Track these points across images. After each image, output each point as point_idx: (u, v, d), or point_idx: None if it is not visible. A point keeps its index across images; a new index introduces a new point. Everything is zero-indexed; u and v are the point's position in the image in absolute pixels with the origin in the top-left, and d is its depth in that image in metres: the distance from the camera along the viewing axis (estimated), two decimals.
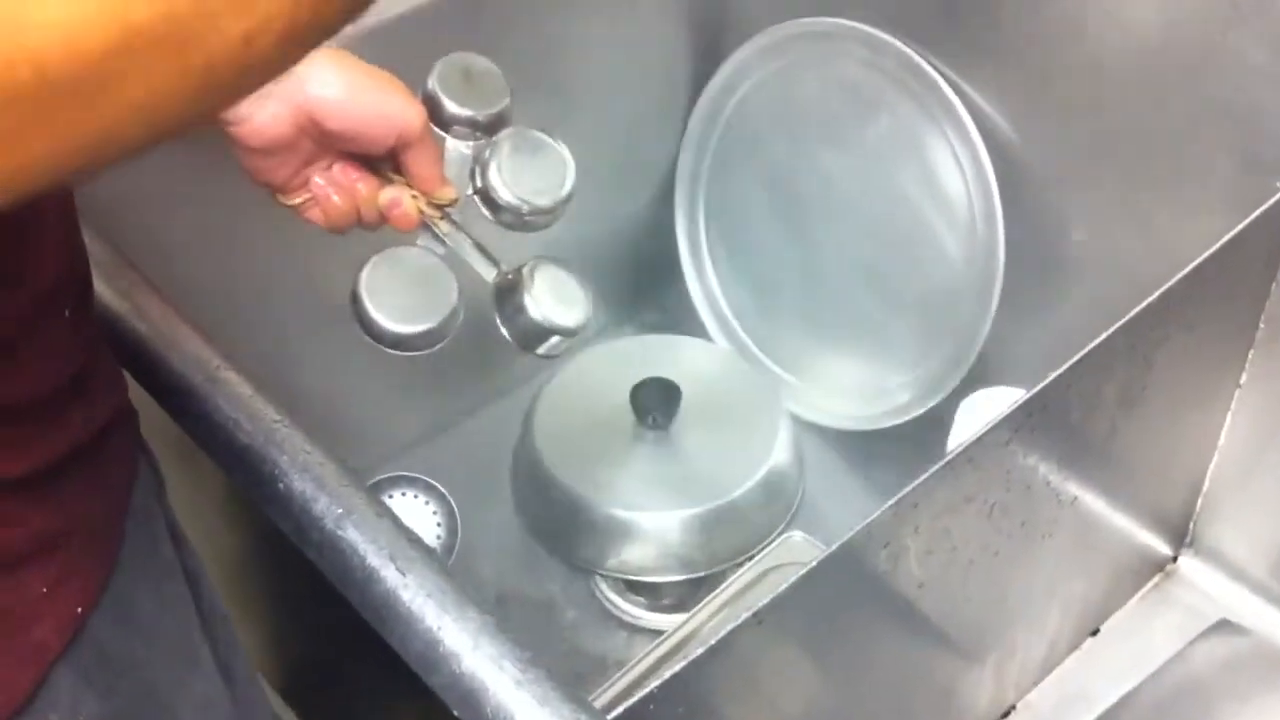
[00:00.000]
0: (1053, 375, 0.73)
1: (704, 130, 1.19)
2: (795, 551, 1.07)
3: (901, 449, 1.11)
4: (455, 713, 0.57)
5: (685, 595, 1.07)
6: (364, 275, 0.73)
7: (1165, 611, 1.05)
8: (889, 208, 1.09)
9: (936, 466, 0.68)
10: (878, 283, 1.12)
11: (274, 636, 1.01)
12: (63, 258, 0.55)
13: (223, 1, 0.35)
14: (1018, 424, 0.73)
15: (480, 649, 0.56)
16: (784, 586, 0.63)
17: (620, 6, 1.13)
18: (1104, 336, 0.75)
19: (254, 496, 0.65)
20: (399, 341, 0.73)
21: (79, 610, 0.57)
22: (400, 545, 0.60)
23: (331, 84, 0.69)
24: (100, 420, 0.58)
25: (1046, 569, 0.89)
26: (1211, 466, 1.02)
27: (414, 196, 0.74)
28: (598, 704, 0.56)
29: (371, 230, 0.76)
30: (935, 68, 1.01)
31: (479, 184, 0.74)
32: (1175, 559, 1.07)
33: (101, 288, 0.72)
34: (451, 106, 0.74)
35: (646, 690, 0.59)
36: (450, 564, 1.09)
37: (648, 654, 0.99)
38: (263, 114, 0.69)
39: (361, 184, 0.74)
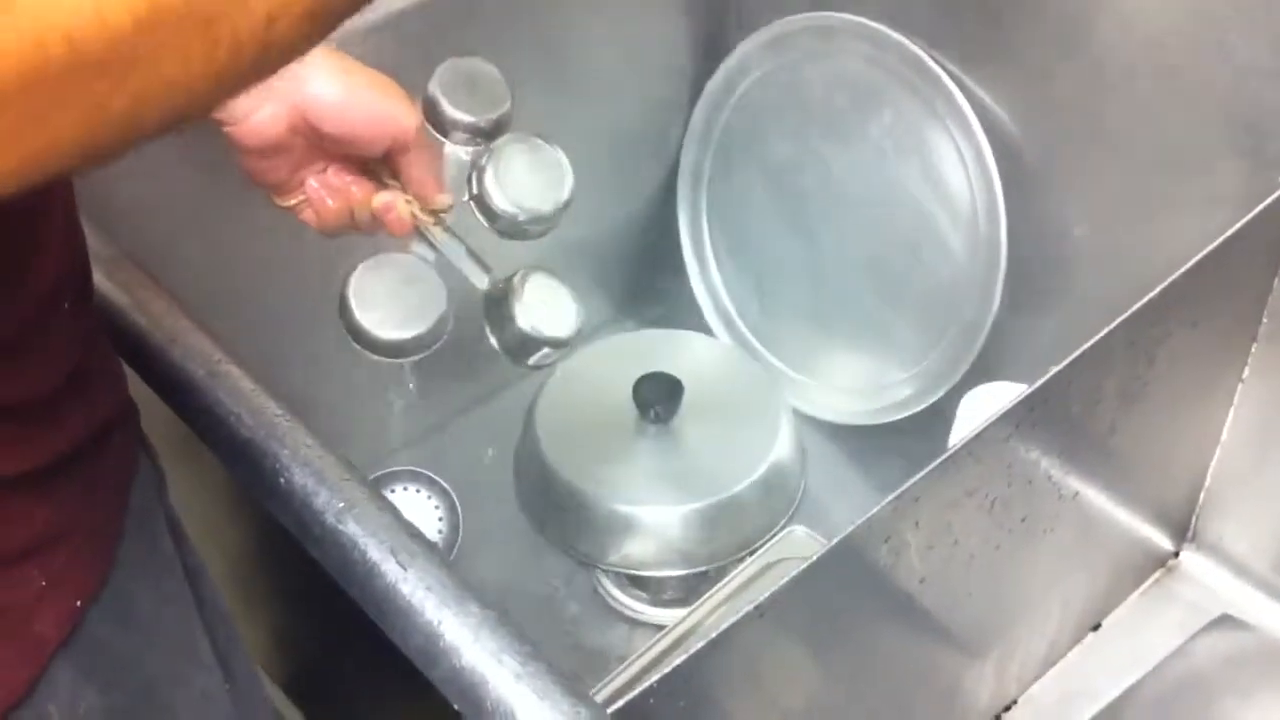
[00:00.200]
0: (1054, 370, 0.73)
1: (707, 125, 1.19)
2: (797, 546, 1.07)
3: (903, 444, 1.11)
4: (455, 706, 0.57)
5: (687, 590, 1.07)
6: (352, 281, 0.73)
7: (1167, 607, 1.05)
8: (892, 203, 1.08)
9: (937, 461, 0.68)
10: (880, 278, 1.12)
11: (277, 632, 1.01)
12: (64, 254, 0.55)
13: None
14: (1019, 419, 0.73)
15: (480, 643, 0.56)
16: (785, 580, 0.63)
17: (622, 2, 1.13)
18: (1105, 332, 0.75)
19: (255, 491, 0.65)
20: (386, 348, 0.73)
21: (78, 604, 0.57)
22: (401, 539, 0.60)
23: (328, 86, 0.69)
24: (100, 417, 0.58)
25: (1048, 564, 0.89)
26: (1213, 462, 1.01)
27: (408, 201, 0.74)
28: (599, 698, 0.56)
29: (366, 234, 0.76)
30: (938, 63, 1.01)
31: (475, 190, 0.74)
32: (1177, 554, 1.07)
33: (102, 282, 0.72)
34: (451, 111, 0.74)
35: (647, 684, 0.59)
36: (452, 559, 1.09)
37: (649, 648, 0.99)
38: (259, 114, 0.69)
39: (356, 187, 0.74)
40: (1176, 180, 0.94)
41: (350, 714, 0.99)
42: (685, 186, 1.23)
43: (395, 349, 0.73)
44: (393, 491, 1.11)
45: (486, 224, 0.74)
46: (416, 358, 0.74)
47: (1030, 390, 0.72)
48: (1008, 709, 0.99)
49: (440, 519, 1.10)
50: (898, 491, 0.67)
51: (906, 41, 1.02)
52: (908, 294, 1.10)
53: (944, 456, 0.69)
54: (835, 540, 0.65)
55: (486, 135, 0.74)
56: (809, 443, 1.16)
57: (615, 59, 1.14)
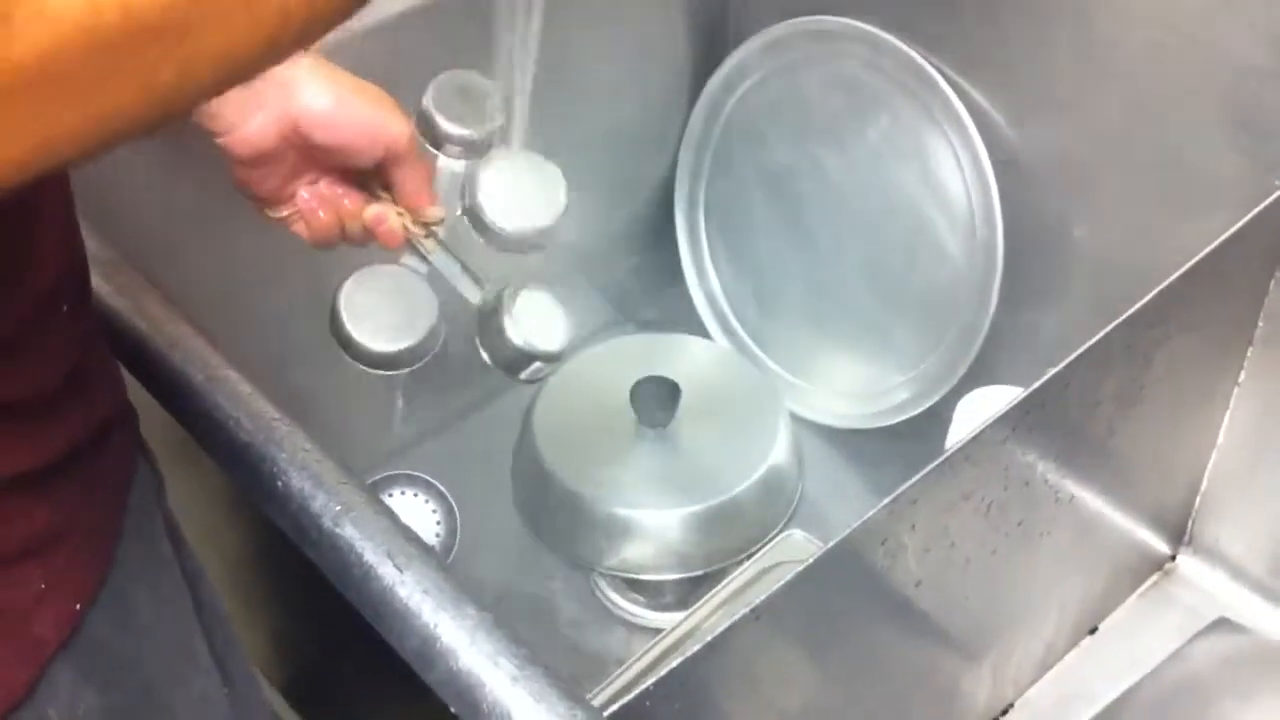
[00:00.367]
0: (1050, 373, 0.73)
1: (704, 129, 1.19)
2: (795, 550, 1.07)
3: (901, 448, 1.11)
4: (452, 709, 0.57)
5: (685, 593, 1.07)
6: (342, 293, 0.73)
7: (1164, 610, 1.05)
8: (889, 207, 1.09)
9: (934, 464, 0.68)
10: (877, 281, 1.12)
11: (275, 635, 1.01)
12: (62, 255, 0.55)
13: None
14: (1015, 422, 0.73)
15: (477, 645, 0.56)
16: (781, 583, 0.63)
17: (621, 4, 1.13)
18: (1102, 334, 0.75)
19: (252, 495, 0.65)
20: (377, 360, 0.73)
21: (77, 606, 0.57)
22: (398, 542, 0.60)
23: (319, 96, 0.69)
24: (99, 418, 0.58)
25: (1044, 567, 0.89)
26: (1210, 465, 1.02)
27: (400, 214, 0.74)
28: (596, 701, 0.56)
29: (357, 246, 0.76)
30: (935, 67, 1.01)
31: (468, 204, 0.74)
32: (1174, 557, 1.07)
33: (101, 286, 0.72)
34: (445, 125, 0.74)
35: (643, 687, 0.59)
36: (450, 562, 1.09)
37: (647, 651, 0.99)
38: (250, 124, 0.69)
39: (347, 199, 0.74)
40: (1174, 183, 0.95)
41: (348, 717, 0.99)
42: (683, 190, 1.23)
43: (386, 361, 0.73)
44: (390, 496, 1.11)
45: (479, 237, 0.74)
46: (407, 370, 0.73)
47: (1027, 393, 0.73)
48: (1005, 712, 0.99)
49: (438, 523, 1.11)
50: (894, 494, 0.67)
51: (904, 45, 1.02)
52: (905, 297, 1.10)
53: (940, 460, 0.69)
54: (831, 543, 0.66)
55: (480, 148, 0.74)
56: (806, 446, 1.16)
57: (613, 62, 1.14)
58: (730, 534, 1.07)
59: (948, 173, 1.03)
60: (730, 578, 1.05)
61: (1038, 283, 1.03)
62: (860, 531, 0.67)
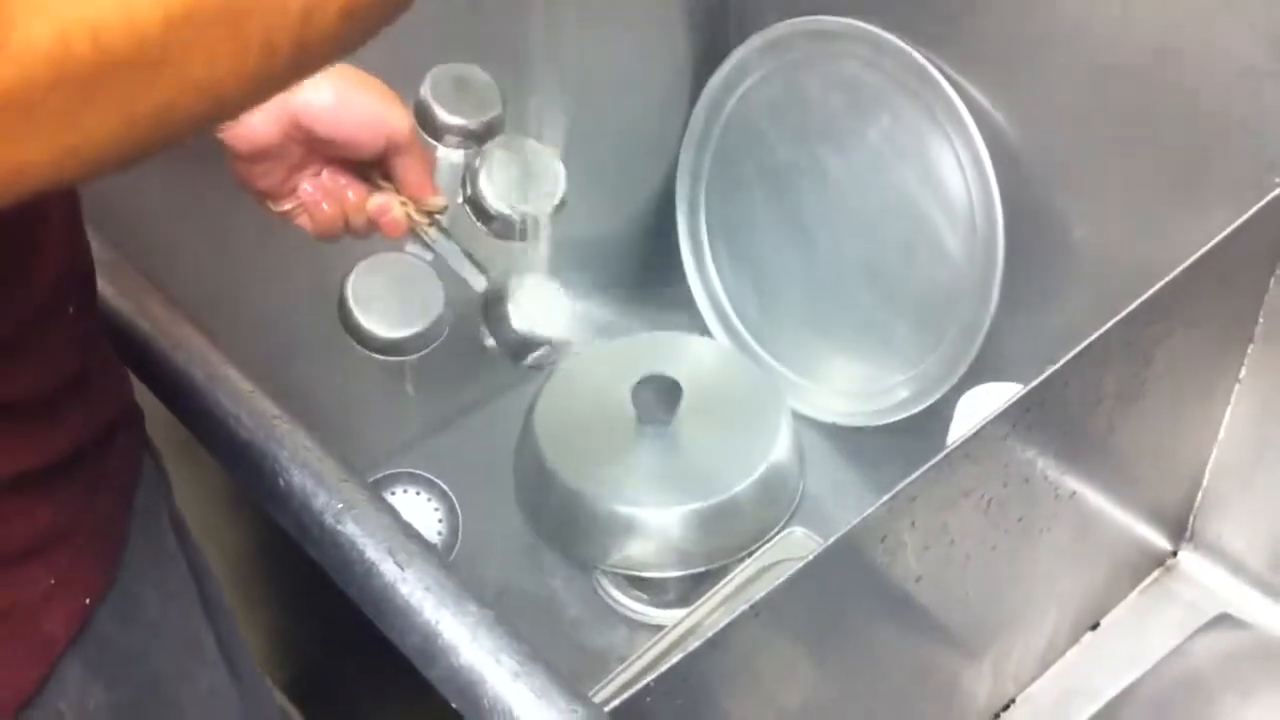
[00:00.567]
0: (1050, 370, 0.73)
1: (705, 128, 1.19)
2: (796, 547, 1.07)
3: (902, 445, 1.11)
4: (454, 705, 0.57)
5: (686, 591, 1.08)
6: (350, 281, 0.74)
7: (1165, 606, 1.05)
8: (890, 206, 1.09)
9: (933, 461, 0.69)
10: (878, 280, 1.12)
11: (278, 633, 1.01)
12: (66, 255, 0.56)
13: None
14: (1015, 419, 0.73)
15: (478, 642, 0.56)
16: (781, 580, 0.63)
17: (621, 3, 1.13)
18: (1102, 331, 0.75)
19: (254, 492, 0.65)
20: (385, 346, 0.73)
21: (86, 602, 0.57)
22: (399, 539, 0.60)
23: (320, 89, 0.69)
24: (104, 417, 0.58)
25: (1045, 564, 0.89)
26: (1211, 461, 1.02)
27: (403, 204, 0.74)
28: (598, 699, 0.56)
29: (361, 238, 0.76)
30: (936, 66, 1.02)
31: (469, 193, 0.74)
32: (1175, 554, 1.08)
33: (104, 287, 0.72)
34: (443, 115, 0.74)
35: (644, 683, 0.59)
36: (452, 560, 1.09)
37: (649, 649, 1.00)
38: (251, 120, 0.69)
39: (350, 191, 0.74)
40: (1174, 182, 0.95)
41: (350, 715, 1.00)
42: (684, 189, 1.23)
43: (394, 347, 0.74)
44: (393, 494, 1.11)
45: (481, 226, 0.75)
46: (415, 356, 0.74)
47: (1026, 390, 0.73)
48: (1006, 708, 0.99)
49: (440, 521, 1.11)
50: (893, 491, 0.67)
51: (904, 45, 1.02)
52: (906, 296, 1.11)
53: (939, 456, 0.69)
54: (831, 540, 0.66)
55: (478, 138, 0.75)
56: (808, 444, 1.16)
57: (614, 62, 1.14)
58: (731, 531, 1.07)
59: (948, 171, 1.04)
60: (732, 575, 1.05)
61: (1038, 280, 1.04)
62: (860, 528, 0.67)
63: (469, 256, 0.76)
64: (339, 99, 0.70)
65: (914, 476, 0.68)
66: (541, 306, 0.73)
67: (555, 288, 0.75)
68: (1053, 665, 1.01)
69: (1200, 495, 1.04)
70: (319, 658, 1.01)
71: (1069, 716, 0.98)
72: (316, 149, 0.72)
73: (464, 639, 0.57)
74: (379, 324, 0.73)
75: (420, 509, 1.10)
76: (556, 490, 1.09)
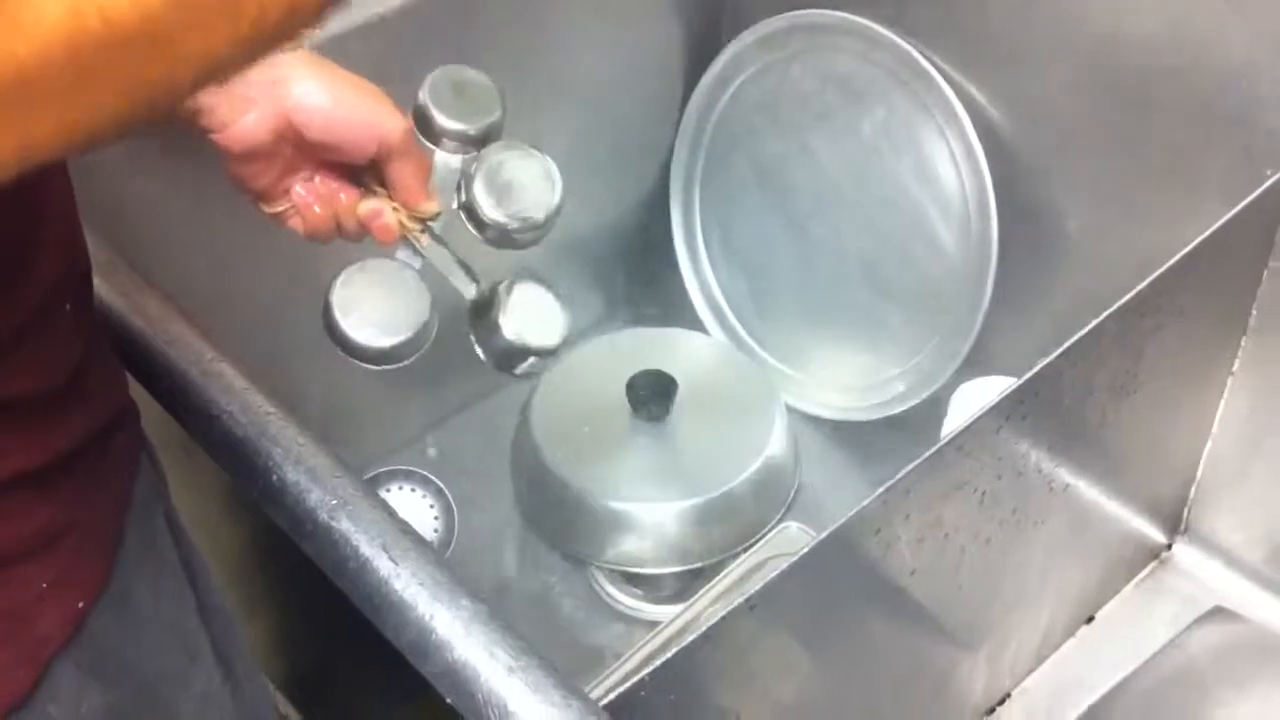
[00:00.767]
0: (1043, 362, 0.73)
1: (699, 123, 1.19)
2: (791, 542, 1.07)
3: (897, 439, 1.11)
4: (449, 700, 0.57)
5: (682, 586, 1.08)
6: (335, 288, 0.73)
7: (1160, 599, 1.05)
8: (883, 200, 1.09)
9: (926, 454, 0.69)
10: (872, 274, 1.12)
11: (276, 633, 1.01)
12: (64, 253, 0.56)
13: None
14: (1008, 412, 0.74)
15: (473, 637, 0.56)
16: (775, 574, 0.63)
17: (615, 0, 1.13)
18: (1094, 324, 0.75)
19: (249, 489, 0.66)
20: (369, 355, 0.73)
21: (80, 605, 0.57)
22: (393, 535, 0.60)
23: (313, 92, 0.69)
24: (102, 416, 0.58)
25: (1040, 557, 0.89)
26: (1205, 454, 1.02)
27: (395, 209, 0.74)
28: (594, 694, 0.56)
29: (353, 241, 0.76)
30: (930, 60, 1.02)
31: (464, 199, 0.74)
32: (1170, 546, 1.08)
33: (98, 285, 0.72)
34: (441, 120, 0.74)
35: (639, 677, 0.59)
36: (448, 557, 1.09)
37: (644, 644, 1.00)
38: (244, 120, 0.69)
39: (343, 194, 0.74)
40: (1167, 175, 0.95)
41: (348, 713, 1.00)
42: (678, 184, 1.23)
43: (378, 356, 0.73)
44: (388, 491, 1.11)
45: (475, 233, 0.74)
46: (399, 365, 0.74)
47: (1020, 383, 0.73)
48: (1002, 702, 0.99)
49: (436, 518, 1.11)
50: (887, 484, 0.67)
51: (897, 39, 1.02)
52: (900, 290, 1.11)
53: (933, 450, 0.69)
54: (825, 533, 0.66)
55: (476, 143, 0.74)
56: (803, 439, 1.16)
57: (607, 57, 1.14)
58: (727, 527, 1.07)
59: (942, 165, 1.04)
60: (727, 570, 1.05)
61: (1032, 274, 1.04)
62: (854, 521, 0.67)
63: (461, 264, 0.75)
64: (332, 102, 0.70)
65: (907, 469, 0.68)
66: (532, 316, 0.73)
67: (547, 296, 0.74)
68: (1048, 658, 1.01)
69: (1195, 488, 1.04)
70: (316, 656, 1.01)
71: (1065, 709, 0.98)
72: (309, 152, 0.72)
73: (458, 634, 0.57)
74: (363, 332, 0.72)
75: (416, 506, 1.10)
76: (552, 486, 1.09)
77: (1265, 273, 0.92)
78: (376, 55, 0.93)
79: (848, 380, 1.17)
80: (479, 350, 0.74)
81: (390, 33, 0.97)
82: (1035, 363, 0.74)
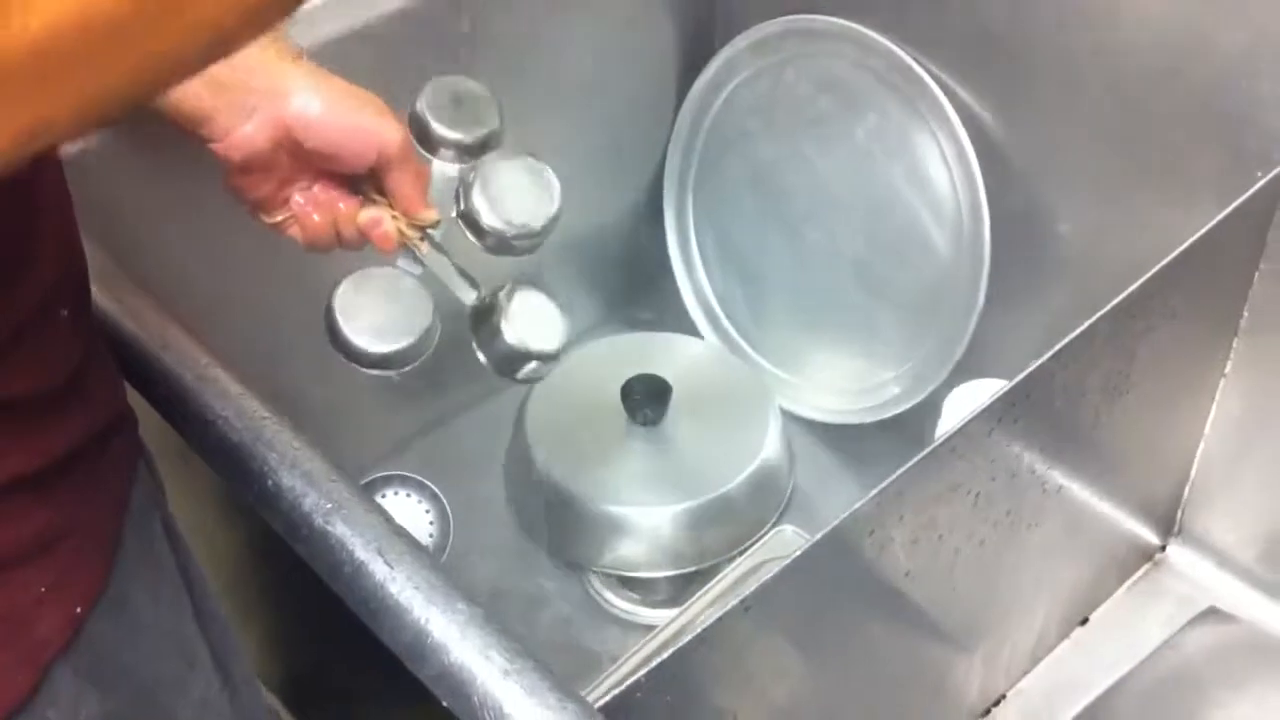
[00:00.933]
0: (1035, 364, 0.74)
1: (692, 127, 1.20)
2: (787, 545, 1.08)
3: (891, 442, 1.11)
4: (445, 703, 0.57)
5: (678, 590, 1.08)
6: (337, 295, 0.73)
7: (1154, 600, 1.05)
8: (876, 204, 1.09)
9: (920, 456, 0.69)
10: (866, 278, 1.12)
11: (272, 639, 1.01)
12: (61, 253, 0.56)
13: None
14: (1001, 414, 0.74)
15: (468, 640, 0.56)
16: (770, 575, 0.64)
17: (607, 4, 1.14)
18: (1085, 326, 0.76)
19: (244, 494, 0.66)
20: (371, 361, 0.73)
21: (78, 610, 0.57)
22: (388, 539, 0.61)
23: (311, 101, 0.69)
24: (99, 421, 0.58)
25: (1034, 558, 0.89)
26: (1198, 455, 1.02)
27: (394, 217, 0.74)
28: (589, 698, 0.56)
29: (353, 250, 0.76)
30: (922, 65, 1.02)
31: (463, 207, 0.74)
32: (1164, 548, 1.08)
33: (94, 290, 0.72)
34: (439, 129, 0.74)
35: (634, 679, 0.59)
36: (443, 562, 1.09)
37: (640, 648, 1.00)
38: (242, 130, 0.69)
39: (342, 203, 0.74)
40: (1160, 177, 0.95)
41: (344, 719, 1.00)
42: (671, 189, 1.23)
43: (380, 362, 0.73)
44: (383, 496, 1.11)
45: (474, 241, 0.75)
46: (401, 371, 0.74)
47: (1012, 385, 0.73)
48: (998, 703, 0.99)
49: (431, 523, 1.11)
50: (881, 486, 0.68)
51: (890, 44, 1.03)
52: (893, 293, 1.11)
53: (926, 451, 0.69)
54: (819, 535, 0.66)
55: (474, 152, 0.75)
56: (797, 442, 1.17)
57: (600, 62, 1.14)
58: (722, 530, 1.08)
59: (935, 170, 1.04)
60: (722, 574, 1.05)
61: (1025, 277, 1.04)
62: (848, 523, 0.67)
63: (461, 271, 0.75)
64: (330, 111, 0.70)
65: (901, 471, 0.68)
66: (534, 320, 0.73)
67: (547, 302, 0.74)
68: (1043, 660, 1.01)
69: (1188, 489, 1.05)
70: (312, 662, 1.01)
71: (1060, 711, 0.99)
72: (308, 161, 0.72)
73: (454, 637, 0.57)
74: (366, 338, 0.73)
75: (411, 511, 1.11)
76: (547, 491, 1.09)
77: (1257, 274, 0.92)
78: (371, 63, 0.94)
79: (842, 384, 1.17)
80: (480, 356, 0.74)
81: (384, 41, 0.97)
82: (1028, 365, 0.74)
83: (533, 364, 0.73)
